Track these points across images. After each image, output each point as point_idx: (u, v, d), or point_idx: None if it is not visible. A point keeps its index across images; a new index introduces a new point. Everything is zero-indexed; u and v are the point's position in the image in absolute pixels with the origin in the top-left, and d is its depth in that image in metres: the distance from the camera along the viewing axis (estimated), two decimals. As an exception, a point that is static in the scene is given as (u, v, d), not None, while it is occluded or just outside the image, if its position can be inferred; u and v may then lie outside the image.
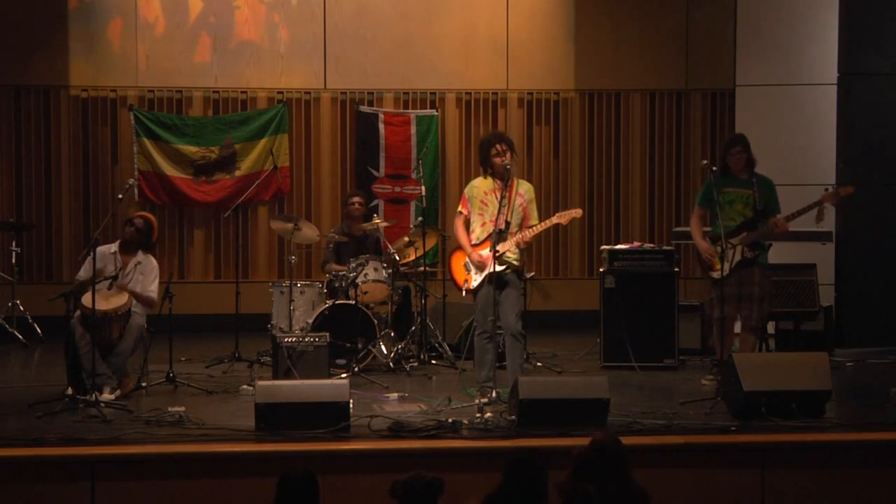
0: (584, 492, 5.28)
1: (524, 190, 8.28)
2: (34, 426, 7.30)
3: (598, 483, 5.39)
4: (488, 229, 8.11)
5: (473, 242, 8.23)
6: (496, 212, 8.02)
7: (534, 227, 8.20)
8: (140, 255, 8.76)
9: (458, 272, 8.35)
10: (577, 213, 8.33)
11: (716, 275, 8.66)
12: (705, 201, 8.80)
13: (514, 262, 8.20)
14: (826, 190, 8.73)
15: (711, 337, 9.34)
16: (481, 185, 8.27)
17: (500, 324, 8.14)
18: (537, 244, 12.43)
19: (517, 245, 8.12)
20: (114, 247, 8.72)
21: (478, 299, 8.20)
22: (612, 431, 6.81)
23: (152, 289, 8.72)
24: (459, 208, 8.37)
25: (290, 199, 12.55)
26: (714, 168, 8.62)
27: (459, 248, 8.43)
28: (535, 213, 8.29)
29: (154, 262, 8.86)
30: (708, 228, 8.91)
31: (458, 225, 8.34)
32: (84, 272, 8.58)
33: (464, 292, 8.35)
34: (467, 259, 8.24)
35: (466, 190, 8.38)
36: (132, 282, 8.61)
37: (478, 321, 8.23)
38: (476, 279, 8.17)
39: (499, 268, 8.02)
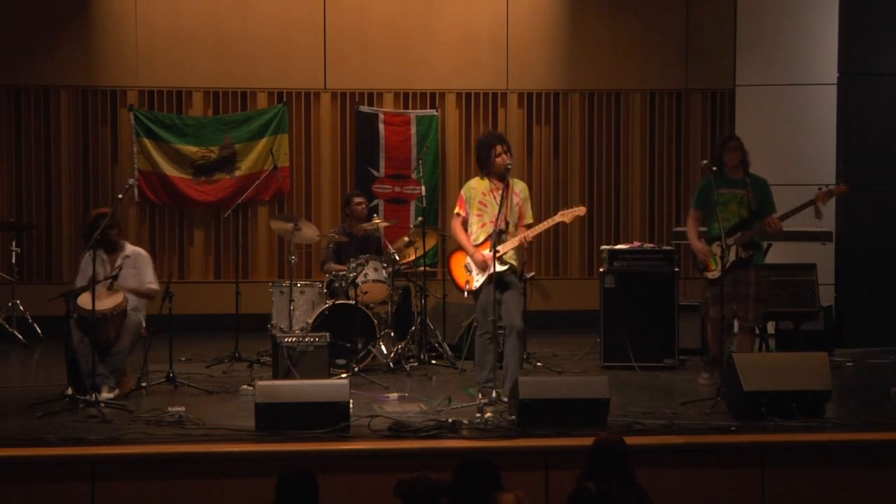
0: (585, 490, 5.30)
1: (519, 189, 8.31)
2: (34, 426, 7.30)
3: (601, 482, 5.42)
4: (488, 230, 8.11)
5: (473, 243, 8.23)
6: (496, 212, 8.03)
7: (536, 226, 8.24)
8: (127, 249, 8.75)
9: (459, 273, 8.32)
10: (580, 210, 8.34)
11: (710, 275, 8.71)
12: (701, 203, 8.82)
13: (514, 262, 8.23)
14: (819, 189, 8.74)
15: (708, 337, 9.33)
16: (479, 186, 8.28)
17: (504, 323, 8.15)
18: (537, 244, 12.44)
19: (521, 244, 8.14)
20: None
21: (480, 300, 8.20)
22: (612, 431, 6.83)
23: (149, 280, 8.71)
24: (457, 210, 8.36)
25: (290, 199, 12.55)
26: (714, 168, 8.62)
27: (458, 249, 8.42)
28: (529, 211, 8.32)
29: (145, 253, 8.86)
30: (704, 229, 8.93)
31: (457, 226, 8.33)
32: (80, 279, 8.57)
33: (465, 293, 8.34)
34: (468, 260, 8.24)
35: (463, 191, 8.38)
36: (124, 276, 8.58)
37: (479, 322, 8.23)
38: (478, 280, 8.17)
39: (500, 268, 8.04)
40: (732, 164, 8.69)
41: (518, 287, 8.29)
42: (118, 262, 8.62)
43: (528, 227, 8.26)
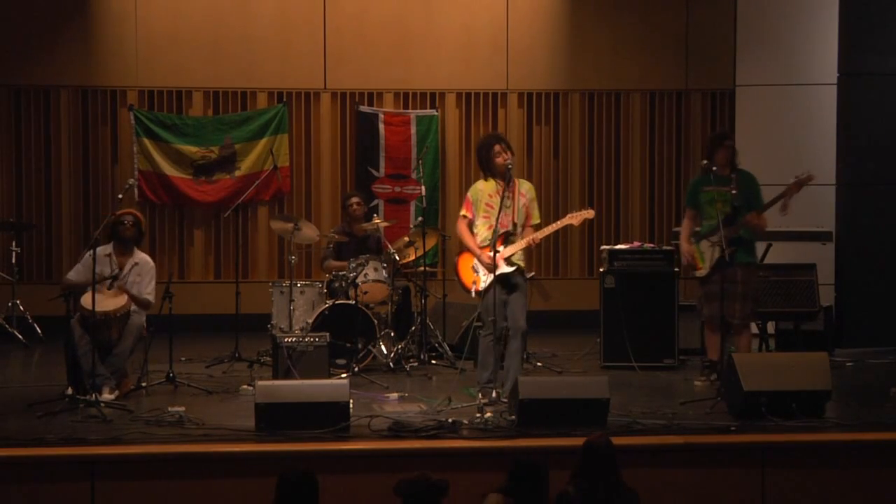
0: (565, 495, 5.33)
1: (525, 189, 8.29)
2: (34, 426, 7.30)
3: (588, 483, 5.44)
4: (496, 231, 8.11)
5: (480, 245, 8.19)
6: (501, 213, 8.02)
7: (545, 228, 8.23)
8: (137, 256, 8.74)
9: (466, 274, 8.32)
10: (589, 214, 8.33)
11: (699, 273, 8.78)
12: (692, 202, 8.89)
13: (521, 263, 8.21)
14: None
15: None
16: (485, 188, 8.26)
17: (508, 324, 8.14)
18: (538, 244, 12.41)
19: (529, 246, 8.14)
20: (108, 248, 8.68)
21: (486, 301, 8.19)
22: (612, 431, 6.83)
23: (149, 291, 8.68)
24: (463, 212, 8.33)
25: (290, 199, 12.55)
26: (714, 168, 8.62)
27: (464, 250, 8.40)
28: (536, 212, 8.31)
29: (152, 263, 8.82)
30: (698, 228, 8.96)
31: (463, 228, 8.30)
32: (75, 274, 8.58)
33: (473, 293, 8.33)
34: (475, 261, 8.23)
35: (470, 193, 8.36)
36: (128, 283, 8.58)
37: (485, 322, 8.22)
38: (485, 281, 8.16)
39: (508, 269, 8.04)
40: (722, 163, 8.72)
41: (524, 288, 8.25)
42: (127, 267, 8.61)
43: (535, 227, 8.24)
